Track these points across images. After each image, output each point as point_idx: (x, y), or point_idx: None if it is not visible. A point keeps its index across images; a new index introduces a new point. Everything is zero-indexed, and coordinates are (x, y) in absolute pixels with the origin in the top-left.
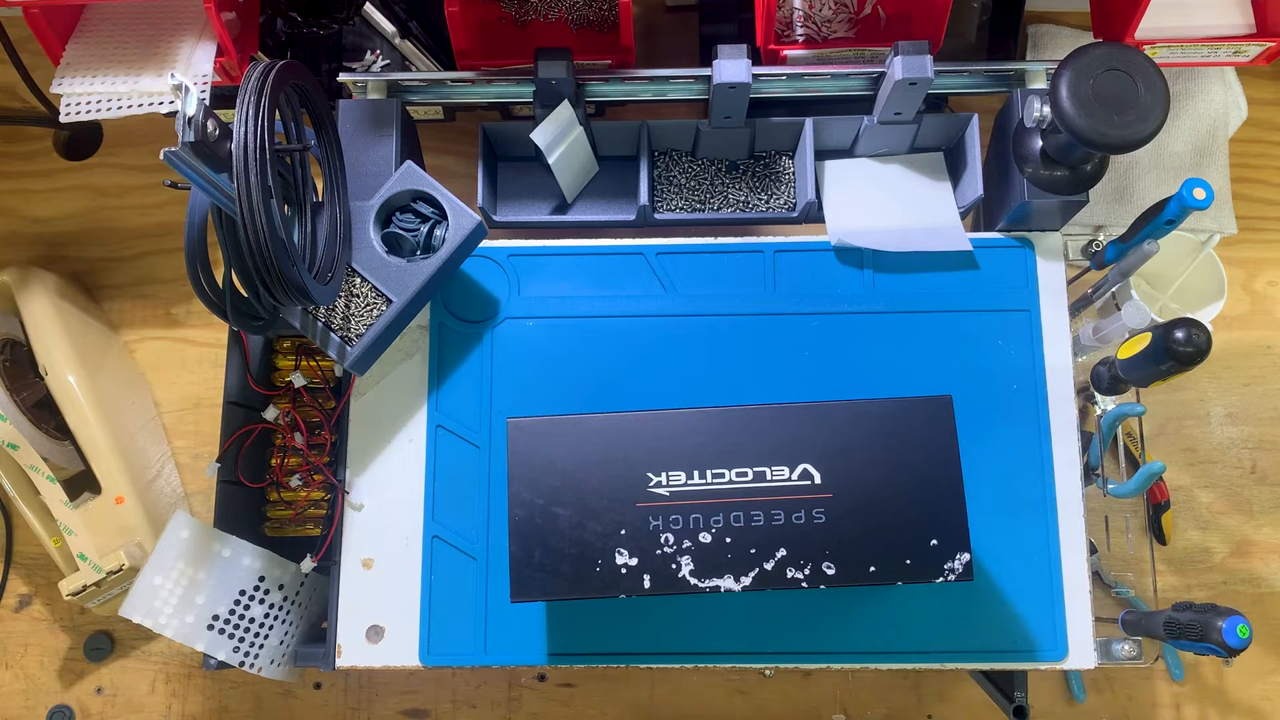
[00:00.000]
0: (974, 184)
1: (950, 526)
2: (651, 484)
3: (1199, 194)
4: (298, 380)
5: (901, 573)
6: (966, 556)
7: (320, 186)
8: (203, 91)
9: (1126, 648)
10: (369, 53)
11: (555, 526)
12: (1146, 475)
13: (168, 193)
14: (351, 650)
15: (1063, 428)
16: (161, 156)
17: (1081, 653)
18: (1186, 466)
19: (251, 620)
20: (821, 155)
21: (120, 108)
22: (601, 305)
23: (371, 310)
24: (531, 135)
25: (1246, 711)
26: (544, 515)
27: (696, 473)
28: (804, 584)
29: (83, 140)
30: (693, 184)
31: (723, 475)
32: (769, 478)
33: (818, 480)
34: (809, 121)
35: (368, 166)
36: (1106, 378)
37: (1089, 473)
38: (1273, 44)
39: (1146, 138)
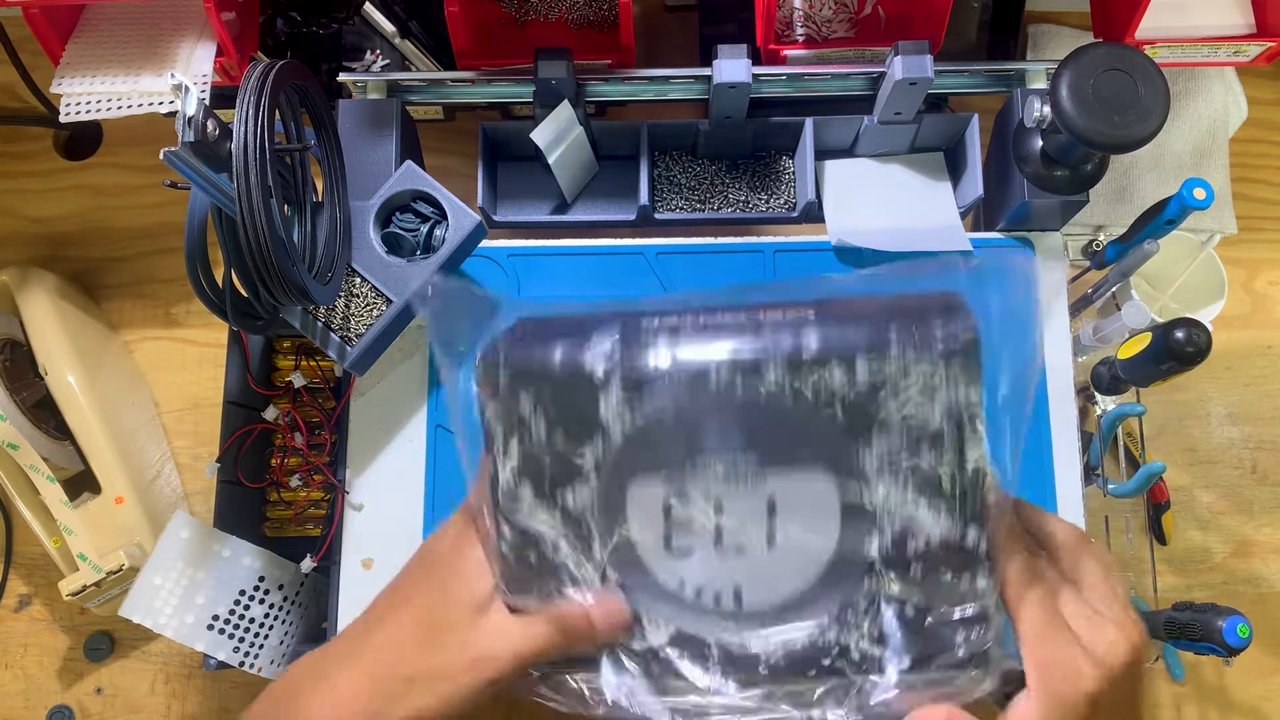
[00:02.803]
0: (974, 184)
1: None
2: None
3: (1199, 194)
4: (298, 380)
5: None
6: None
7: (320, 186)
8: (203, 91)
9: None
10: (369, 53)
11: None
12: (1146, 475)
13: (168, 193)
14: None
15: (1063, 428)
16: (161, 156)
17: None
18: (1187, 466)
19: (251, 620)
20: (821, 155)
21: (120, 108)
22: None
23: (371, 310)
24: (531, 135)
25: (1247, 712)
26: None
27: None
28: None
29: (82, 140)
30: (693, 184)
31: None
32: None
33: None
34: (809, 121)
35: (368, 166)
36: (1107, 378)
37: (1089, 473)
38: (1273, 44)
39: (1147, 138)
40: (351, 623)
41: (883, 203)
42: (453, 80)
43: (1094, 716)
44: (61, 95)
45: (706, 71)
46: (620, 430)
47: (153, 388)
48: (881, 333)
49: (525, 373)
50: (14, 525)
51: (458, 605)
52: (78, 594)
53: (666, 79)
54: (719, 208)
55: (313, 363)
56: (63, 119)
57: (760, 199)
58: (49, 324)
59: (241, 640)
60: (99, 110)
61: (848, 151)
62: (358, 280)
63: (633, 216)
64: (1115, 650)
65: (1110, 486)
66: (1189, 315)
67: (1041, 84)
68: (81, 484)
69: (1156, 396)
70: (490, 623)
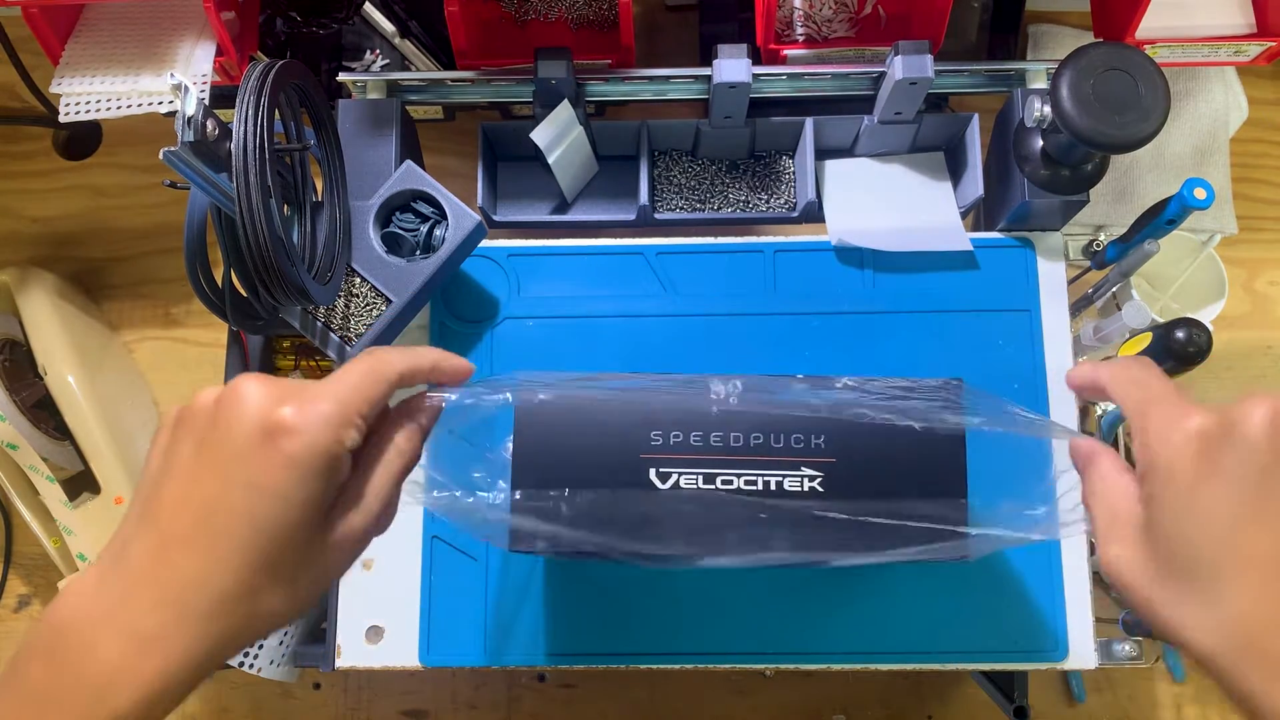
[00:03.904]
0: (974, 184)
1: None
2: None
3: (1199, 194)
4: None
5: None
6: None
7: (320, 186)
8: (202, 91)
9: (1127, 648)
10: (369, 52)
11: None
12: None
13: (168, 193)
14: (351, 651)
15: None
16: (161, 156)
17: (1082, 653)
18: None
19: None
20: (822, 155)
21: (120, 108)
22: (601, 305)
23: (371, 310)
24: (531, 135)
25: None
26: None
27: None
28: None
29: (82, 140)
30: (693, 184)
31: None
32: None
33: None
34: (809, 121)
35: (367, 166)
36: None
37: None
38: (1273, 44)
39: (1147, 138)
40: (125, 544)
41: (883, 202)
42: (453, 80)
43: (1218, 464)
44: (61, 95)
45: (706, 71)
46: None
47: (153, 388)
48: None
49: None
50: (14, 525)
51: (301, 519)
52: None
53: (666, 79)
54: (719, 208)
55: (312, 363)
56: (62, 119)
57: (760, 199)
58: (49, 324)
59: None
60: (99, 110)
61: (848, 151)
62: (358, 280)
63: (633, 216)
64: (1240, 406)
65: None
66: (1189, 315)
67: (1042, 84)
68: (81, 484)
69: None
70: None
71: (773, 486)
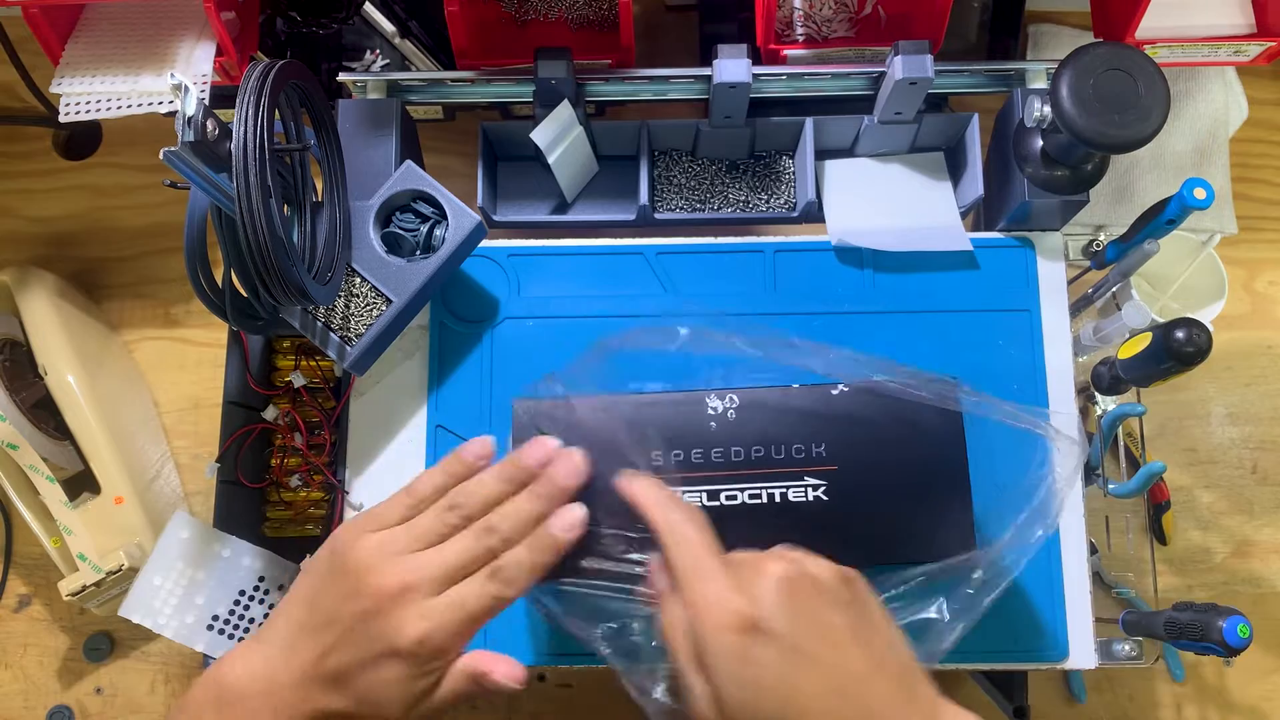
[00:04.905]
0: (974, 184)
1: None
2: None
3: (1199, 194)
4: (297, 380)
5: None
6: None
7: (320, 186)
8: (202, 91)
9: (1127, 648)
10: (369, 52)
11: None
12: (1147, 475)
13: (168, 193)
14: None
15: None
16: (161, 156)
17: (1082, 653)
18: (1187, 467)
19: (251, 620)
20: (822, 155)
21: (120, 108)
22: (601, 305)
23: (371, 310)
24: (531, 135)
25: (1248, 712)
26: None
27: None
28: None
29: (82, 140)
30: (693, 184)
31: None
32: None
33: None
34: (809, 121)
35: (367, 166)
36: (1107, 378)
37: (1089, 473)
38: (1273, 44)
39: (1147, 137)
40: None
41: (883, 203)
42: (453, 80)
43: (756, 660)
44: (61, 95)
45: (706, 71)
46: None
47: (153, 388)
48: None
49: None
50: (14, 525)
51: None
52: (77, 594)
53: (666, 79)
54: (719, 208)
55: (312, 363)
56: (62, 119)
57: (760, 199)
58: (49, 324)
59: (241, 641)
60: (99, 110)
61: (848, 151)
62: (358, 280)
63: (633, 216)
64: (759, 582)
65: (1110, 486)
66: (1189, 315)
67: (1042, 84)
68: (81, 484)
69: (1156, 396)
70: None
71: (776, 498)
